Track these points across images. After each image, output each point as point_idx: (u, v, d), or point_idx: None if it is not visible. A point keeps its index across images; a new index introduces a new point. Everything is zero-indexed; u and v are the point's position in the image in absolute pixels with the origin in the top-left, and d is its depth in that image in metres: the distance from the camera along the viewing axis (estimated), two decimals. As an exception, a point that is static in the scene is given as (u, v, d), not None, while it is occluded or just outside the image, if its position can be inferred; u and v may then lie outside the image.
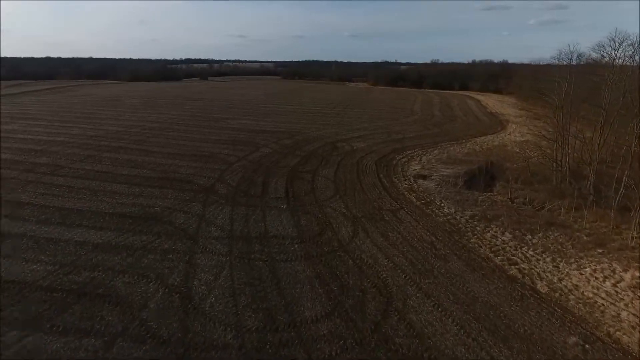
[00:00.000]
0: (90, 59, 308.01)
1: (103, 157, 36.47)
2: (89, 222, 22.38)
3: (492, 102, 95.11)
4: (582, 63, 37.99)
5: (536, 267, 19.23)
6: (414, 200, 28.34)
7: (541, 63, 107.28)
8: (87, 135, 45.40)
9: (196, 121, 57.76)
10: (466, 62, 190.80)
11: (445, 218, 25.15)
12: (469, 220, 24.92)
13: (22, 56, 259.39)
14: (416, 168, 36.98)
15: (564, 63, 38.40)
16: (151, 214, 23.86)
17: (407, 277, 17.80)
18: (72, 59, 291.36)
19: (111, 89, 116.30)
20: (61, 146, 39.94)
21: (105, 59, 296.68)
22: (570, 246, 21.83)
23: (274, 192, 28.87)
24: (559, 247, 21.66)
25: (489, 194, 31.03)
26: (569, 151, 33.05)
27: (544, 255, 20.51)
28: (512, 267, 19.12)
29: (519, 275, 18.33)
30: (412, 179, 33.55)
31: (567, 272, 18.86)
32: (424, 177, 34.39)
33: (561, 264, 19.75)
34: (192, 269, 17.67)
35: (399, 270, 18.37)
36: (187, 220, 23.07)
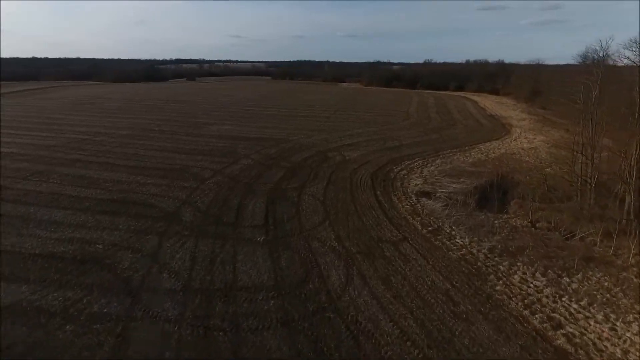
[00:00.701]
0: (79, 59, 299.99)
1: (54, 172, 31.21)
2: (4, 269, 17.27)
3: (490, 103, 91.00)
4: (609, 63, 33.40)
5: (588, 331, 14.56)
6: (419, 227, 23.58)
7: (541, 62, 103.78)
8: (44, 145, 40.01)
9: (173, 127, 52.54)
10: (460, 62, 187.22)
11: (459, 253, 20.41)
12: (489, 256, 20.22)
13: (14, 57, 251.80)
14: (418, 183, 32.26)
15: (583, 62, 34.03)
16: (90, 254, 18.80)
17: (421, 355, 13.02)
18: (61, 59, 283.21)
19: (92, 91, 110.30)
20: (9, 159, 34.58)
21: (95, 59, 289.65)
22: (620, 294, 17.22)
23: (250, 218, 23.95)
24: (608, 295, 17.05)
25: (505, 216, 26.39)
26: (595, 164, 28.55)
27: (592, 310, 15.86)
28: (558, 332, 14.42)
29: (570, 348, 13.62)
30: (414, 198, 28.81)
31: (630, 339, 14.21)
32: (428, 195, 29.69)
33: (618, 323, 15.12)
34: (121, 351, 12.70)
35: (409, 342, 13.58)
36: (135, 264, 18.05)
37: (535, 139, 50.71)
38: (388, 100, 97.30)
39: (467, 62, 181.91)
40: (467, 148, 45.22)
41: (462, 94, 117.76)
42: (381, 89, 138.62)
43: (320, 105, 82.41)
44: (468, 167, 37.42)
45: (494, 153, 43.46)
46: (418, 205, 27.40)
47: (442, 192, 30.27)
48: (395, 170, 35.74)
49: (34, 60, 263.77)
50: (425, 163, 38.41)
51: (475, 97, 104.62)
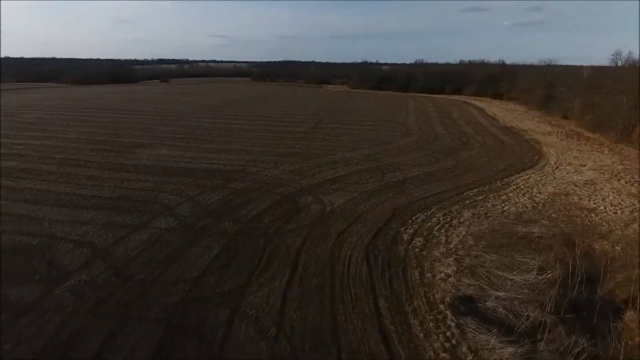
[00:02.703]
0: (54, 59, 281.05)
1: None
2: None
3: (498, 110, 78.37)
4: None
5: None
6: None
7: (553, 63, 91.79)
8: None
9: (87, 153, 37.92)
10: (454, 63, 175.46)
11: None
12: None
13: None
14: (449, 271, 18.63)
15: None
16: None
17: None
18: (36, 59, 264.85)
19: (31, 95, 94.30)
20: None
21: (73, 59, 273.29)
22: None
23: None
24: None
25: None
26: None
27: None
28: None
29: None
30: (451, 320, 15.17)
31: None
32: (474, 306, 16.13)
33: None
34: None
35: None
36: None
37: (583, 166, 37.71)
38: (380, 106, 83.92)
39: (461, 62, 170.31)
40: (498, 184, 31.88)
41: (461, 98, 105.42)
42: (370, 92, 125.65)
43: (299, 114, 68.43)
44: (515, 225, 24.00)
45: (540, 193, 30.16)
46: (464, 347, 13.72)
47: (496, 297, 16.68)
48: (405, 235, 22.12)
49: (6, 60, 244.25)
50: (449, 217, 24.87)
51: (479, 103, 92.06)
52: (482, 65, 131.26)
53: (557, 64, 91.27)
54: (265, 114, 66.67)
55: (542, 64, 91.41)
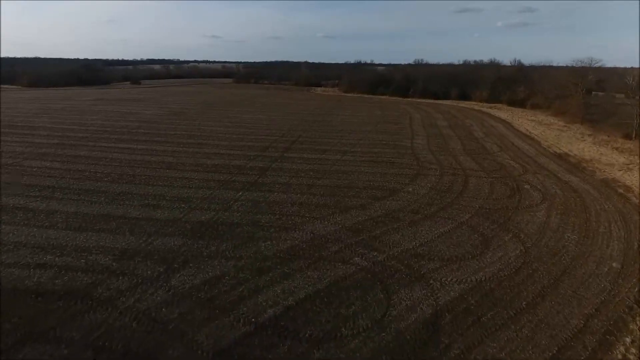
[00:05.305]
0: (37, 59, 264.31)
1: None
2: None
3: (530, 125, 60.81)
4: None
5: None
6: None
7: (593, 65, 74.54)
8: None
9: None
10: (457, 63, 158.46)
11: None
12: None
13: None
14: None
15: None
16: None
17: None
18: (17, 58, 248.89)
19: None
20: None
21: (60, 59, 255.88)
22: None
23: None
24: None
25: None
26: None
27: None
28: None
29: None
30: None
31: None
32: None
33: None
34: None
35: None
36: None
37: None
38: (376, 120, 65.82)
39: (465, 62, 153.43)
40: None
41: (474, 105, 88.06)
42: (365, 97, 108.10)
43: (266, 132, 50.26)
44: None
45: None
46: None
47: None
48: None
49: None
50: None
51: (499, 113, 74.61)
52: (493, 66, 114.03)
53: (598, 65, 73.94)
54: (215, 134, 48.13)
55: (578, 64, 73.96)
